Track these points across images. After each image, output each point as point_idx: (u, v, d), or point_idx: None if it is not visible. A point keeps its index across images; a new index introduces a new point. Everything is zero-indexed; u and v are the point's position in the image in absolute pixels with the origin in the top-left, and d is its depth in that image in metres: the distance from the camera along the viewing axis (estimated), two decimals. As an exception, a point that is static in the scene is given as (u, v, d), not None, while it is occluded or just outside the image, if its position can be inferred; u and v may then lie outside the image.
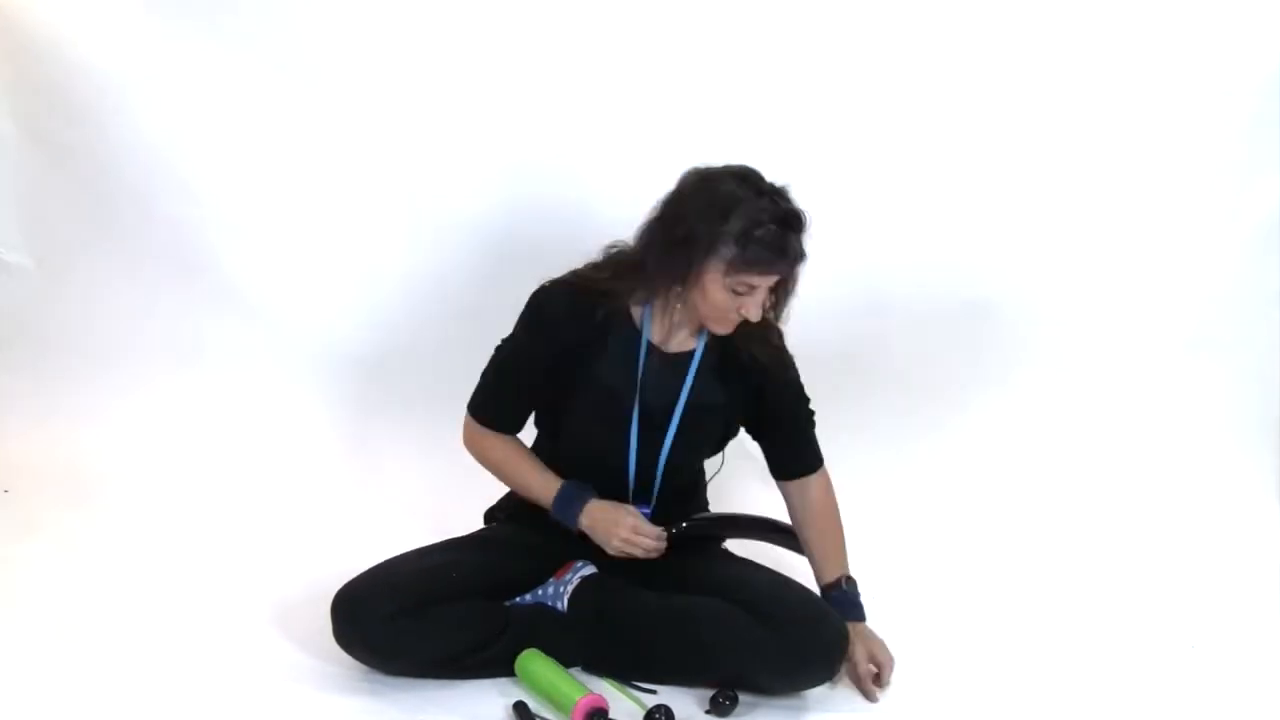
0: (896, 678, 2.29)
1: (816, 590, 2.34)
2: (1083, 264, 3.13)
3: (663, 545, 2.27)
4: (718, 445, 2.44)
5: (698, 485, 2.48)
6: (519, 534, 2.38)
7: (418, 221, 3.11)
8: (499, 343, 2.37)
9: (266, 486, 3.05)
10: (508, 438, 2.40)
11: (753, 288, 2.18)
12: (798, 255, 2.18)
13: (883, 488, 3.11)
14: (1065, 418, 3.17)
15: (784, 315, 2.31)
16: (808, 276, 3.06)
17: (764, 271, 2.17)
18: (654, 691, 2.20)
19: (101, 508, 2.92)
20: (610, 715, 2.08)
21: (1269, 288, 3.14)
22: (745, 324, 2.24)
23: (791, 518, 2.42)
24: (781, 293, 2.27)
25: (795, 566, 2.35)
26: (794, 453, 2.43)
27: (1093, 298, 3.15)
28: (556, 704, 2.12)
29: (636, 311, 2.30)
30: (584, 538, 2.31)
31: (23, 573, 2.58)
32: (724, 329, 2.25)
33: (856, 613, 2.33)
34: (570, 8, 3.02)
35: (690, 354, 2.32)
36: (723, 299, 2.18)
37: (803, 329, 3.07)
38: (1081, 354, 3.17)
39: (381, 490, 3.03)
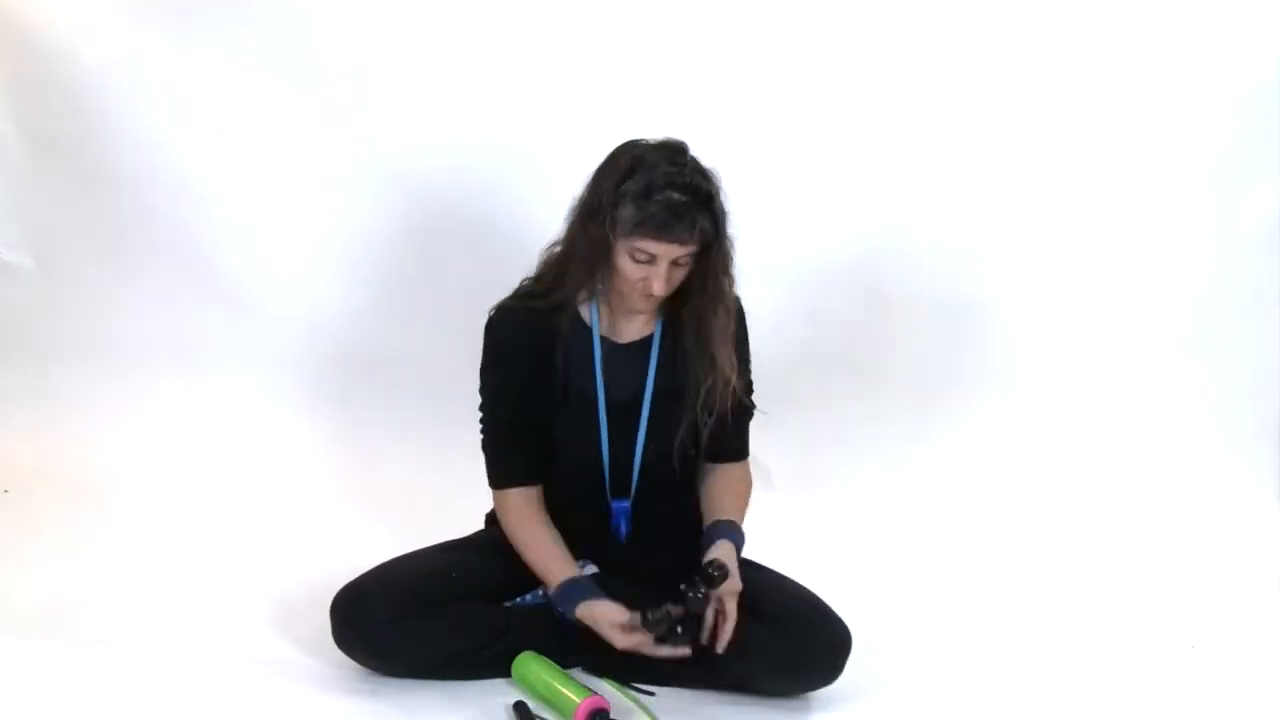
0: (896, 677, 2.29)
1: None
2: (1082, 263, 3.13)
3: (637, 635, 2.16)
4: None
5: (686, 485, 2.37)
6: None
7: (420, 222, 3.11)
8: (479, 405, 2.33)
9: (268, 486, 3.05)
10: (535, 517, 2.31)
11: (653, 256, 2.12)
12: (695, 228, 2.10)
13: (880, 487, 3.11)
14: (1064, 418, 3.17)
15: (719, 298, 2.21)
16: (809, 277, 3.06)
17: (656, 237, 2.10)
18: (652, 694, 2.19)
19: (102, 507, 2.93)
20: (611, 716, 2.08)
21: (1269, 288, 3.14)
22: (683, 309, 2.20)
23: (700, 487, 2.37)
24: (707, 272, 2.19)
25: (795, 567, 2.35)
26: (724, 440, 2.36)
27: (1092, 297, 3.15)
28: (556, 706, 2.11)
29: (585, 310, 2.29)
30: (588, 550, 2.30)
31: (23, 573, 2.58)
32: (642, 304, 2.23)
33: (737, 537, 2.25)
34: (573, 13, 3.03)
35: (649, 339, 2.30)
36: (629, 268, 2.15)
37: (802, 328, 3.12)
38: (1080, 354, 3.16)
39: (382, 491, 3.03)
